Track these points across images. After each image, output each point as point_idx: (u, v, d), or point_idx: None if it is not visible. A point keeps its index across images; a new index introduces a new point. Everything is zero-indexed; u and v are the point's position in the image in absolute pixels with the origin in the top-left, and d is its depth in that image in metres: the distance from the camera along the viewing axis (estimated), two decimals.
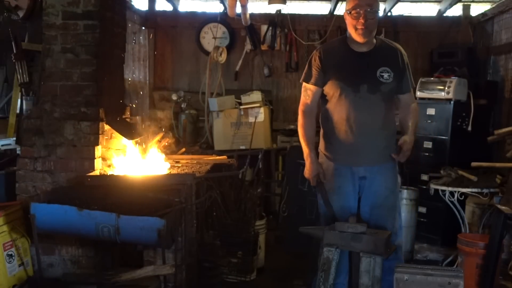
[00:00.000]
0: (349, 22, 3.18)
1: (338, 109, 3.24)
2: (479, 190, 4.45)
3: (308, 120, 3.33)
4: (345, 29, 3.33)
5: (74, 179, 3.68)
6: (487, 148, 5.37)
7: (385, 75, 3.21)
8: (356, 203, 3.32)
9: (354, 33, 3.18)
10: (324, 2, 6.98)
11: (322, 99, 3.36)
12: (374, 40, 3.30)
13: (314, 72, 3.28)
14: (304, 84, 3.35)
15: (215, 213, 4.18)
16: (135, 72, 6.41)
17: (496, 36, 6.12)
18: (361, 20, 3.11)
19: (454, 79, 5.41)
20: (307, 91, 3.33)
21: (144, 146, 4.21)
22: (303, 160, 3.40)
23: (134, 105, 6.15)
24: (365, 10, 3.11)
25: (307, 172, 3.31)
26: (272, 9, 6.39)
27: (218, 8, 6.69)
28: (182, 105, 6.47)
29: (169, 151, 4.85)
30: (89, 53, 3.76)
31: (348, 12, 3.16)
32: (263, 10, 6.80)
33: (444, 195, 4.62)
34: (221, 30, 6.67)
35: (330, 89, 3.25)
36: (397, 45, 3.41)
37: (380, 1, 6.86)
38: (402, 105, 3.40)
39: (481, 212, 4.61)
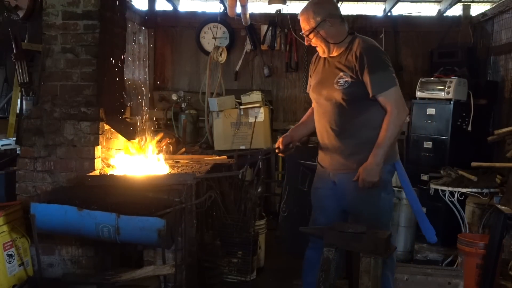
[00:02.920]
0: None
1: (315, 115, 3.34)
2: (479, 190, 4.45)
3: (310, 112, 3.46)
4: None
5: (74, 179, 3.69)
6: (487, 148, 5.38)
7: (341, 81, 3.09)
8: (333, 204, 3.26)
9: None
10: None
11: None
12: (348, 42, 3.17)
13: (308, 79, 3.43)
14: None
15: (215, 213, 4.18)
16: (135, 72, 6.41)
17: (496, 36, 6.12)
18: (307, 41, 3.22)
19: (454, 79, 5.41)
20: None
21: (144, 146, 4.20)
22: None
23: (134, 105, 6.15)
24: (305, 33, 3.21)
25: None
26: (272, 9, 6.39)
27: (218, 8, 6.69)
28: (182, 105, 6.47)
29: (169, 151, 4.85)
30: (89, 53, 3.76)
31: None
32: (263, 10, 6.81)
33: (444, 195, 4.63)
34: (221, 30, 6.67)
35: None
36: (366, 43, 3.13)
37: (380, 1, 6.88)
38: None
39: (481, 212, 4.61)
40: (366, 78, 3.02)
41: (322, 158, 3.31)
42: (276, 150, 3.44)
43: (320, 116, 3.24)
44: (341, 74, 3.10)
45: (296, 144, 3.49)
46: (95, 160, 3.73)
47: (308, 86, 3.40)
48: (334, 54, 3.20)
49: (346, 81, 3.07)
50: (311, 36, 3.18)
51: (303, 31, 3.22)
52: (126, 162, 3.88)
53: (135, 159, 3.96)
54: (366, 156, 3.04)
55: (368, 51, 3.07)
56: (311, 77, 3.37)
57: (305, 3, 7.07)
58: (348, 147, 3.13)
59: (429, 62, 6.57)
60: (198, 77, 6.82)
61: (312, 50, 6.91)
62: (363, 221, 2.99)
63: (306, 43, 3.24)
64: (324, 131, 3.22)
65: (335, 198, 3.24)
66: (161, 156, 4.00)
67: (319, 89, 3.21)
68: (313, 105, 3.35)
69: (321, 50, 3.22)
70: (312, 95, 3.29)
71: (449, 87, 5.39)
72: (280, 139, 3.40)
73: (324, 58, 3.27)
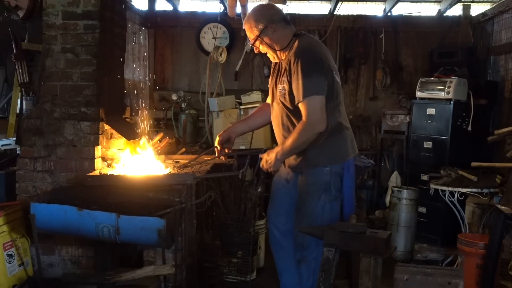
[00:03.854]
0: None
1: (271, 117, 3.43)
2: (479, 190, 4.45)
3: (260, 107, 3.66)
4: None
5: (74, 179, 3.69)
6: (487, 148, 5.38)
7: (280, 86, 3.16)
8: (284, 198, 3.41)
9: None
10: (324, 2, 6.98)
11: None
12: (291, 48, 3.16)
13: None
14: None
15: (215, 213, 4.18)
16: (135, 72, 6.41)
17: (496, 36, 6.12)
18: (257, 51, 3.29)
19: (454, 79, 5.41)
20: None
21: (144, 146, 4.20)
22: None
23: (134, 105, 6.15)
24: (251, 44, 3.27)
25: None
26: None
27: (218, 8, 6.70)
28: (182, 105, 6.47)
29: (169, 151, 4.85)
30: (89, 53, 3.76)
31: None
32: None
33: (444, 195, 4.63)
34: (221, 30, 6.67)
35: None
36: (295, 50, 3.09)
37: (380, 1, 6.88)
38: None
39: (481, 212, 4.61)
40: (293, 84, 3.04)
41: None
42: (217, 153, 3.56)
43: (273, 118, 3.35)
44: (281, 79, 3.17)
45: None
46: (95, 160, 3.73)
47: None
48: (282, 57, 3.22)
49: (283, 87, 3.13)
50: (256, 44, 3.21)
51: (250, 41, 3.26)
52: (126, 162, 3.88)
53: (135, 159, 3.96)
54: (309, 159, 3.13)
55: (296, 55, 3.03)
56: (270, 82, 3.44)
57: (305, 3, 7.08)
58: None
59: (429, 62, 6.57)
60: (198, 77, 6.82)
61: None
62: (299, 217, 3.17)
63: (256, 51, 3.31)
64: (276, 133, 3.33)
65: (286, 192, 3.38)
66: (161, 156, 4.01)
67: (272, 93, 3.32)
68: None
69: (271, 56, 3.28)
70: (269, 99, 3.41)
71: (449, 87, 5.39)
72: (217, 138, 3.49)
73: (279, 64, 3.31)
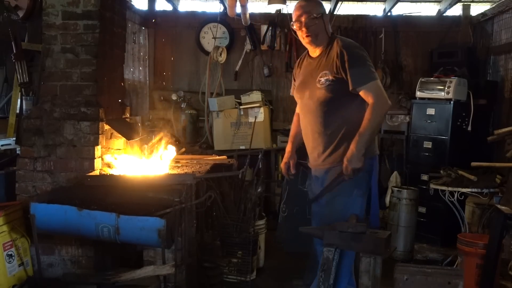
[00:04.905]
0: (297, 33, 3.28)
1: (300, 116, 3.45)
2: (479, 190, 4.45)
3: (297, 120, 3.56)
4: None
5: (74, 179, 3.69)
6: (487, 148, 5.38)
7: (322, 80, 3.17)
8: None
9: (304, 42, 3.27)
10: (324, 2, 6.92)
11: None
12: (328, 42, 3.24)
13: (292, 83, 3.51)
14: None
15: (215, 213, 4.17)
16: (135, 72, 6.41)
17: (496, 36, 6.12)
18: (304, 29, 3.19)
19: (454, 79, 5.41)
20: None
21: (144, 146, 4.21)
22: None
23: (134, 105, 6.16)
24: (305, 19, 3.19)
25: (282, 162, 3.60)
26: (272, 9, 6.39)
27: (218, 8, 6.69)
28: (182, 105, 6.47)
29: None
30: (89, 53, 3.76)
31: (292, 24, 3.26)
32: (263, 10, 6.81)
33: (444, 195, 4.63)
34: (221, 30, 6.67)
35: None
36: (345, 41, 3.20)
37: (380, 1, 6.88)
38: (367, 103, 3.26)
39: (481, 212, 4.61)
40: (347, 73, 3.09)
41: (308, 156, 3.42)
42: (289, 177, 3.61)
43: (304, 115, 3.35)
44: (322, 73, 3.18)
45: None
46: (95, 160, 3.73)
47: (292, 88, 3.50)
48: (316, 53, 3.27)
49: (327, 79, 3.15)
50: (316, 20, 3.18)
51: (307, 15, 3.18)
52: (126, 162, 3.88)
53: (135, 159, 3.96)
54: (346, 151, 3.11)
55: (348, 48, 3.15)
56: (294, 79, 3.45)
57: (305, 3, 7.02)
58: (329, 144, 3.21)
59: (429, 62, 6.57)
60: (198, 77, 6.82)
61: None
62: (325, 212, 3.18)
63: (304, 29, 3.19)
64: (308, 130, 3.31)
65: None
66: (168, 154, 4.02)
67: (302, 90, 3.31)
68: (297, 106, 3.47)
69: (313, 39, 3.22)
70: (296, 96, 3.40)
71: (449, 87, 5.39)
72: (291, 163, 3.52)
73: (306, 60, 3.36)
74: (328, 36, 3.25)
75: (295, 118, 3.60)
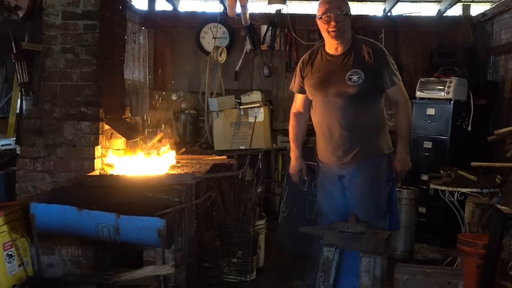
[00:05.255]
0: (322, 26, 3.27)
1: (314, 114, 3.42)
2: (479, 190, 4.45)
3: (296, 120, 3.57)
4: None
5: (74, 179, 3.69)
6: (487, 148, 5.37)
7: (354, 77, 3.21)
8: (340, 199, 3.37)
9: (327, 37, 3.26)
10: None
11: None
12: (351, 41, 3.31)
13: (297, 80, 3.48)
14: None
15: (215, 213, 4.17)
16: (135, 72, 6.41)
17: (496, 36, 6.12)
18: (332, 23, 3.19)
19: (454, 79, 5.41)
20: (295, 97, 3.56)
21: (144, 146, 4.21)
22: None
23: (134, 105, 6.16)
24: (335, 13, 3.19)
25: (291, 168, 3.56)
26: (272, 9, 6.39)
27: (218, 8, 6.69)
28: (182, 105, 6.47)
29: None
30: (89, 53, 3.76)
31: (319, 17, 3.24)
32: (263, 10, 6.80)
33: (444, 195, 4.62)
34: (221, 30, 6.66)
35: (308, 95, 3.42)
36: (373, 42, 3.38)
37: (380, 1, 6.88)
38: (390, 101, 3.38)
39: (481, 212, 4.61)
40: (382, 73, 3.22)
41: (326, 154, 3.38)
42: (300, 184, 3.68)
43: (327, 112, 3.30)
44: (352, 71, 3.21)
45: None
46: (95, 160, 3.73)
47: (296, 84, 3.48)
48: (338, 51, 3.28)
49: (359, 77, 3.19)
50: (344, 16, 3.22)
51: (338, 11, 3.20)
52: (126, 162, 3.88)
53: (135, 159, 3.96)
54: (371, 148, 3.25)
55: (380, 48, 3.31)
56: (302, 77, 3.41)
57: (305, 3, 7.07)
58: (357, 141, 3.25)
59: (429, 62, 6.56)
60: (198, 77, 6.82)
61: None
62: (364, 211, 3.19)
63: (333, 23, 3.18)
64: (332, 127, 3.29)
65: (341, 192, 3.35)
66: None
67: (326, 87, 3.28)
68: (314, 104, 3.41)
69: (339, 34, 3.23)
70: (316, 93, 3.34)
71: (449, 87, 5.39)
72: (303, 170, 3.53)
73: (321, 57, 3.35)
74: (351, 35, 3.30)
75: (294, 119, 3.57)
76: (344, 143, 3.27)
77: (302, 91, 3.46)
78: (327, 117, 3.31)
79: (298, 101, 3.53)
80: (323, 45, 3.39)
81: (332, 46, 3.30)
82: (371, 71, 3.21)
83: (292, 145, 3.56)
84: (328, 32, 3.22)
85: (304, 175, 3.54)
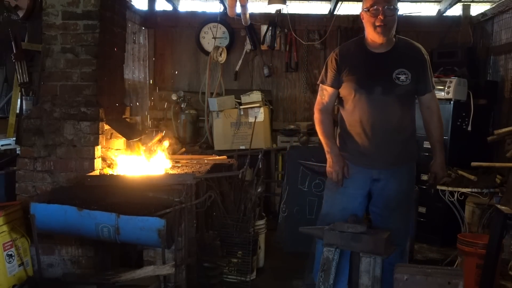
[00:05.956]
0: (367, 20, 3.10)
1: (353, 111, 3.21)
2: (479, 190, 4.45)
3: (325, 116, 3.31)
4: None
5: (74, 179, 3.69)
6: (487, 148, 5.37)
7: (402, 77, 3.12)
8: (362, 206, 3.28)
9: (373, 32, 3.10)
10: (324, 2, 6.98)
11: (339, 100, 3.33)
12: (394, 40, 3.22)
13: (330, 73, 3.25)
14: (321, 85, 3.33)
15: (215, 213, 4.18)
16: (135, 72, 6.41)
17: (496, 36, 6.12)
18: (380, 17, 3.04)
19: (454, 79, 5.41)
20: (323, 91, 3.30)
21: (144, 146, 4.21)
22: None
23: (134, 105, 6.16)
24: (383, 7, 3.05)
25: (333, 166, 3.23)
26: (272, 9, 6.38)
27: (218, 8, 6.69)
28: (182, 105, 6.47)
29: (169, 151, 4.85)
30: (89, 53, 3.76)
31: (366, 10, 3.08)
32: (263, 10, 6.80)
33: (444, 195, 4.63)
34: (221, 30, 6.66)
35: (345, 90, 3.22)
36: (418, 45, 3.31)
37: None
38: (423, 107, 3.31)
39: (481, 212, 4.61)
40: (425, 75, 3.22)
41: (361, 156, 3.21)
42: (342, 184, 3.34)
43: (372, 110, 3.14)
44: (399, 70, 3.13)
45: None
46: (95, 160, 3.73)
47: (329, 78, 3.24)
48: (382, 48, 3.17)
49: (406, 77, 3.14)
50: (394, 11, 3.12)
51: (387, 5, 3.06)
52: (126, 162, 3.88)
53: (135, 159, 3.96)
54: (410, 152, 3.27)
55: (425, 52, 3.28)
56: (338, 71, 3.21)
57: (305, 3, 7.05)
58: (401, 143, 3.22)
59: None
60: (198, 77, 6.82)
61: (312, 50, 6.86)
62: (398, 215, 3.22)
63: (380, 17, 3.04)
64: (377, 126, 3.15)
65: (366, 197, 3.29)
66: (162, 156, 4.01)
67: (371, 84, 3.14)
68: (352, 101, 3.20)
69: (386, 30, 3.10)
70: (360, 90, 3.15)
71: (449, 87, 5.38)
72: (346, 167, 3.23)
73: (361, 52, 3.20)
74: (394, 32, 3.23)
75: (324, 116, 3.29)
76: (388, 144, 3.16)
77: (336, 85, 3.24)
78: (371, 115, 3.14)
79: (327, 96, 3.28)
80: (361, 40, 3.25)
81: (376, 42, 3.14)
82: (415, 73, 3.15)
83: (328, 142, 3.26)
84: (375, 26, 3.06)
85: (347, 173, 3.23)
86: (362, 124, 3.17)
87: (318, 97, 3.33)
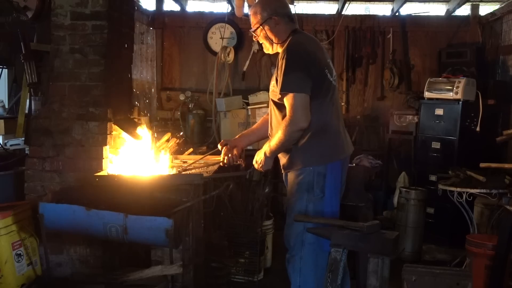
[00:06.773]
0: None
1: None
2: (488, 190, 4.42)
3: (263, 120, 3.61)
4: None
5: (82, 179, 3.70)
6: (495, 149, 5.35)
7: (272, 83, 3.18)
8: None
9: None
10: (331, 2, 6.97)
11: None
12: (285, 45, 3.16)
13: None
14: None
15: (222, 213, 4.18)
16: (143, 72, 6.43)
17: (505, 36, 6.09)
18: (255, 39, 3.28)
19: (463, 79, 5.39)
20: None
21: (152, 146, 4.21)
22: None
23: (141, 105, 6.18)
24: (252, 30, 3.23)
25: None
26: None
27: (225, 9, 6.70)
28: (190, 105, 6.48)
29: (177, 151, 4.86)
30: (97, 54, 3.77)
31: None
32: None
33: (452, 195, 4.60)
34: (228, 30, 6.68)
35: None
36: (288, 45, 3.10)
37: (388, 1, 6.86)
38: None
39: (489, 212, 4.58)
40: (277, 80, 3.03)
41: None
42: (221, 163, 3.47)
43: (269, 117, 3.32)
44: (274, 76, 3.15)
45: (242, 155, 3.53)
46: (103, 160, 3.75)
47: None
48: (279, 51, 3.21)
49: (274, 84, 3.13)
50: (257, 31, 3.19)
51: (251, 27, 3.22)
52: (133, 162, 3.88)
53: (142, 159, 3.96)
54: (292, 156, 3.11)
55: (284, 51, 3.04)
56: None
57: (313, 3, 7.05)
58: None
59: (437, 62, 6.54)
60: (205, 77, 6.83)
61: None
62: (288, 215, 3.18)
63: (254, 39, 3.29)
64: (271, 130, 3.29)
65: None
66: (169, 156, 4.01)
67: (270, 91, 3.27)
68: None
69: (266, 48, 3.27)
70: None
71: (457, 87, 5.36)
72: (224, 149, 3.42)
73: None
74: (285, 36, 3.19)
75: (263, 117, 3.59)
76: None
77: None
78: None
79: None
80: None
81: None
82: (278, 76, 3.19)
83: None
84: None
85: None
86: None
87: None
